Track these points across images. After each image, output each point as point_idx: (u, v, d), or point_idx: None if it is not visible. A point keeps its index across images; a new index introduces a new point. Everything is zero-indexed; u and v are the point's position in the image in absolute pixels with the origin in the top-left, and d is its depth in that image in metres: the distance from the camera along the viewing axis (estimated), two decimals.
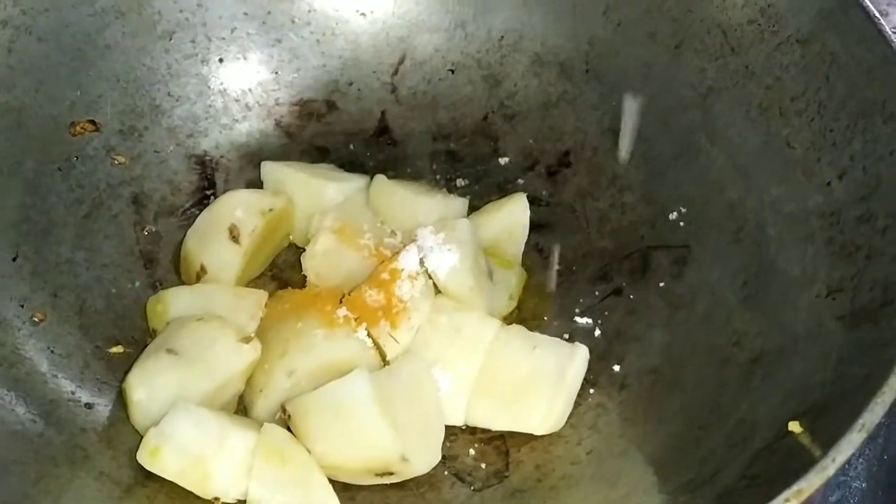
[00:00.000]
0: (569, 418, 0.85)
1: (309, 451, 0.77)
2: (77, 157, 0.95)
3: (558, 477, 0.82)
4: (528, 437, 0.84)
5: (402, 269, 0.86)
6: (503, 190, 1.03)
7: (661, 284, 0.92)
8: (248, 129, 1.05)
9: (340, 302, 0.86)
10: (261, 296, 0.88)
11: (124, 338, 0.89)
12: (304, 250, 0.93)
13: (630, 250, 0.95)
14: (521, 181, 1.03)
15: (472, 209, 0.99)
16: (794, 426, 0.68)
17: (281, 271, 0.98)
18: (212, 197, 1.00)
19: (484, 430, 0.85)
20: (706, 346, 0.84)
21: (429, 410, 0.82)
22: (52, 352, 0.84)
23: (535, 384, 0.83)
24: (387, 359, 0.84)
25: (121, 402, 0.83)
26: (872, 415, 0.60)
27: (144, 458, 0.76)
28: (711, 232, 0.90)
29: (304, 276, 0.91)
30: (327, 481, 0.77)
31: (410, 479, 0.81)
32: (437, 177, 1.04)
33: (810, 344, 0.75)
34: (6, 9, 0.90)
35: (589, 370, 0.86)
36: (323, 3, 1.06)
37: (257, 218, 0.91)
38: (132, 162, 0.98)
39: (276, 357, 0.82)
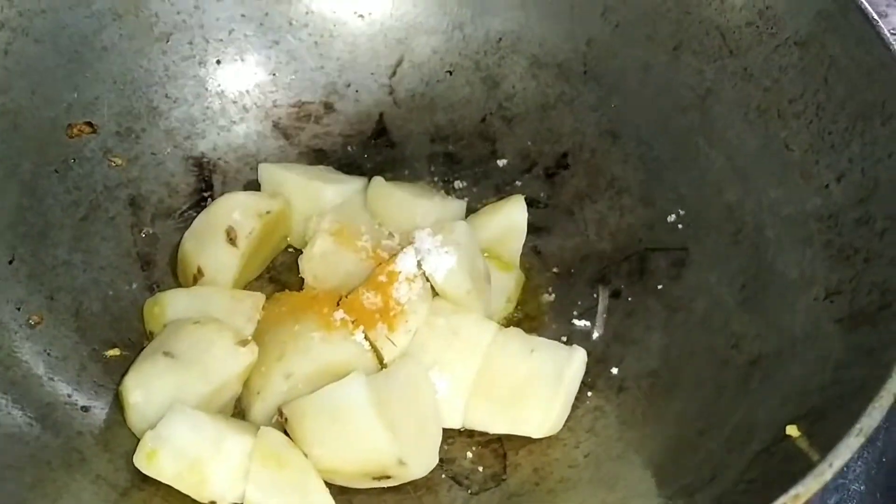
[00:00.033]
0: (567, 421, 0.85)
1: (306, 455, 0.77)
2: (74, 159, 0.95)
3: (556, 480, 0.81)
4: (525, 440, 0.84)
5: (400, 272, 0.86)
6: (501, 192, 1.03)
7: (660, 287, 0.91)
8: (245, 130, 1.05)
9: (338, 304, 0.86)
10: (258, 298, 0.88)
11: (121, 340, 0.89)
12: (302, 252, 0.92)
13: (628, 252, 0.95)
14: (519, 183, 1.03)
15: (471, 211, 0.99)
16: (791, 430, 0.68)
17: (278, 273, 0.98)
18: (209, 199, 1.00)
19: (482, 433, 0.85)
20: (704, 348, 0.84)
21: (426, 413, 0.82)
22: (48, 355, 0.84)
23: (532, 387, 0.83)
24: (384, 362, 0.84)
25: (117, 405, 0.83)
26: (870, 419, 0.60)
27: (141, 461, 0.76)
28: (710, 234, 0.90)
29: (302, 279, 0.91)
30: (324, 485, 0.77)
31: (408, 483, 0.80)
32: (436, 179, 1.04)
33: (808, 347, 0.75)
34: (2, 11, 0.90)
35: (587, 373, 0.86)
36: (321, 4, 1.06)
37: (254, 220, 0.91)
38: (129, 164, 0.98)
39: (273, 360, 0.82)
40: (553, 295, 0.96)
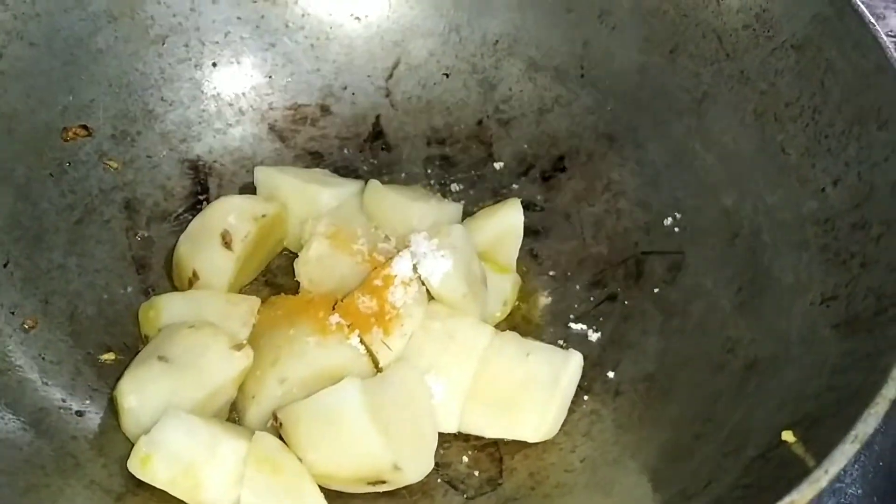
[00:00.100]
0: (563, 425, 0.85)
1: (300, 460, 0.77)
2: (69, 163, 0.94)
3: (552, 485, 0.81)
4: (521, 445, 0.84)
5: (396, 276, 0.86)
6: (498, 195, 1.03)
7: (656, 290, 0.91)
8: (241, 133, 1.04)
9: (333, 308, 0.85)
10: (253, 302, 0.88)
11: (116, 344, 0.89)
12: (298, 256, 0.92)
13: (625, 256, 0.95)
14: (515, 186, 1.03)
15: (467, 214, 0.99)
16: (787, 435, 0.68)
17: (274, 276, 0.97)
18: (205, 202, 0.99)
19: (477, 438, 0.85)
20: (700, 352, 0.84)
21: (421, 418, 0.81)
22: (42, 359, 0.84)
23: (528, 391, 0.83)
24: (379, 366, 0.84)
25: (112, 409, 0.83)
26: (866, 426, 0.60)
27: (135, 466, 0.75)
28: (706, 238, 0.90)
29: (298, 282, 0.91)
30: (319, 490, 0.76)
31: (403, 487, 0.80)
32: (432, 182, 1.04)
33: (804, 352, 0.74)
34: None
35: (583, 377, 0.86)
36: (317, 7, 1.06)
37: (250, 224, 0.91)
38: (125, 167, 0.98)
39: (268, 364, 0.82)
40: (549, 298, 0.96)
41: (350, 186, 0.98)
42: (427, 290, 0.86)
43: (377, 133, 1.06)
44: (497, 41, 1.05)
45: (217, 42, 1.04)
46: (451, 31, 1.06)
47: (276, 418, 0.79)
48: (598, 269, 0.96)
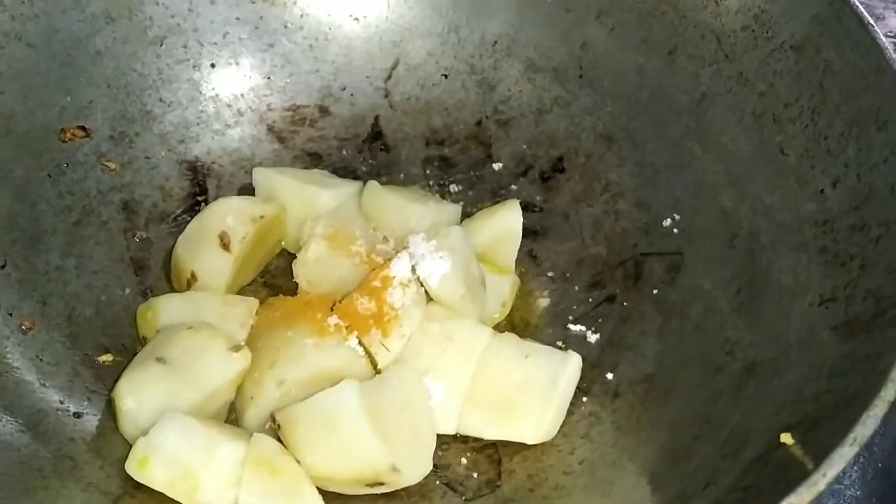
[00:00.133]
0: (562, 427, 0.84)
1: (299, 462, 0.77)
2: (67, 164, 0.94)
3: (550, 487, 0.81)
4: (520, 446, 0.83)
5: (394, 277, 0.85)
6: (496, 196, 1.02)
7: (655, 292, 0.91)
8: (240, 134, 1.04)
9: (331, 310, 0.85)
10: (251, 304, 0.88)
11: (114, 346, 0.88)
12: (296, 257, 0.92)
13: (624, 257, 0.95)
14: (514, 187, 1.03)
15: (466, 215, 0.99)
16: (786, 438, 0.67)
17: (273, 278, 0.97)
18: (203, 203, 0.99)
19: (476, 439, 0.85)
20: (699, 354, 0.84)
21: (420, 420, 0.81)
22: (40, 360, 0.84)
23: (527, 393, 0.83)
24: (378, 367, 0.84)
25: (110, 411, 0.82)
26: (864, 428, 0.60)
27: (133, 468, 0.75)
28: (705, 239, 0.90)
29: (296, 283, 0.91)
30: (317, 492, 0.76)
31: (402, 489, 0.80)
32: (430, 183, 1.04)
33: (803, 353, 0.74)
34: None
35: (582, 378, 0.86)
36: (316, 7, 1.06)
37: (248, 225, 0.90)
38: (123, 168, 0.98)
39: (266, 366, 0.82)
40: (548, 300, 0.96)
41: (348, 187, 0.97)
42: (425, 292, 0.86)
43: (376, 134, 1.06)
44: (496, 42, 1.05)
45: (215, 43, 1.03)
46: (450, 32, 1.06)
47: (274, 420, 0.78)
48: (596, 271, 0.96)
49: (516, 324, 0.94)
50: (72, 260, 0.91)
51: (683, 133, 0.94)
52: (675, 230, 0.93)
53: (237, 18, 1.04)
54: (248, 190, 1.00)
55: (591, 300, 0.94)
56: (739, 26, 0.90)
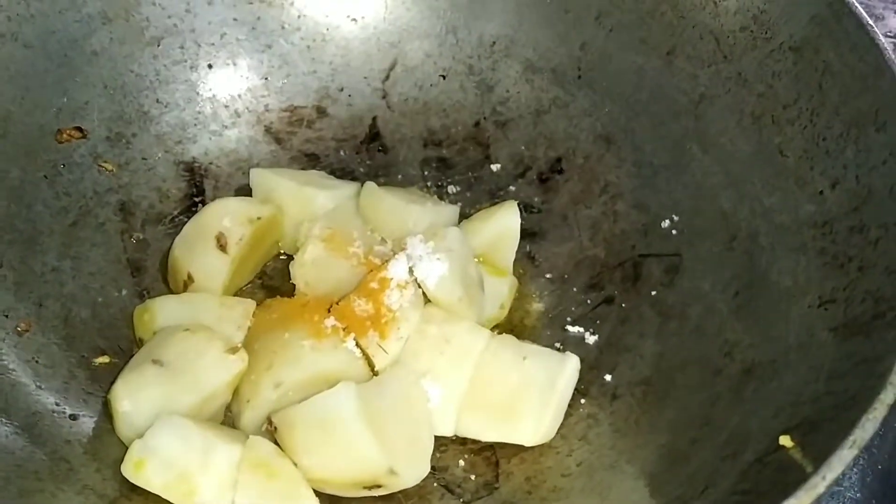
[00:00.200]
0: (560, 429, 0.84)
1: (295, 464, 0.76)
2: (63, 165, 0.94)
3: (548, 489, 0.81)
4: (518, 448, 0.83)
5: (392, 279, 0.85)
6: (495, 197, 1.02)
7: (653, 293, 0.91)
8: (237, 135, 1.04)
9: (329, 311, 0.85)
10: (248, 305, 0.87)
11: (110, 348, 0.88)
12: (294, 258, 0.92)
13: (622, 259, 0.95)
14: (512, 188, 1.02)
15: (464, 216, 0.99)
16: (785, 440, 0.67)
17: (270, 279, 0.97)
18: (200, 204, 0.99)
19: (474, 441, 0.85)
20: (698, 356, 0.84)
21: (417, 422, 0.81)
22: (36, 362, 0.83)
23: (525, 395, 0.82)
24: (375, 369, 0.84)
25: (106, 413, 0.82)
26: (863, 431, 0.59)
27: (129, 470, 0.75)
28: (703, 241, 0.89)
29: (293, 285, 0.90)
30: (314, 495, 0.76)
31: (399, 492, 0.80)
32: (428, 184, 1.04)
33: (802, 356, 0.74)
34: None
35: (580, 380, 0.85)
36: (313, 8, 1.06)
37: (245, 226, 0.90)
38: (120, 169, 0.97)
39: (262, 368, 0.82)
40: (546, 301, 0.95)
41: (346, 189, 0.97)
42: (423, 293, 0.85)
43: (374, 135, 1.06)
44: (494, 43, 1.04)
45: (213, 44, 1.03)
46: (448, 33, 1.05)
47: (270, 423, 0.78)
48: (595, 272, 0.95)
49: (514, 325, 0.94)
50: (68, 261, 0.91)
51: (682, 134, 0.94)
52: (674, 231, 0.92)
53: (234, 19, 1.03)
54: (245, 191, 0.99)
55: (589, 302, 0.94)
56: (738, 27, 0.89)
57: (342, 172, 1.03)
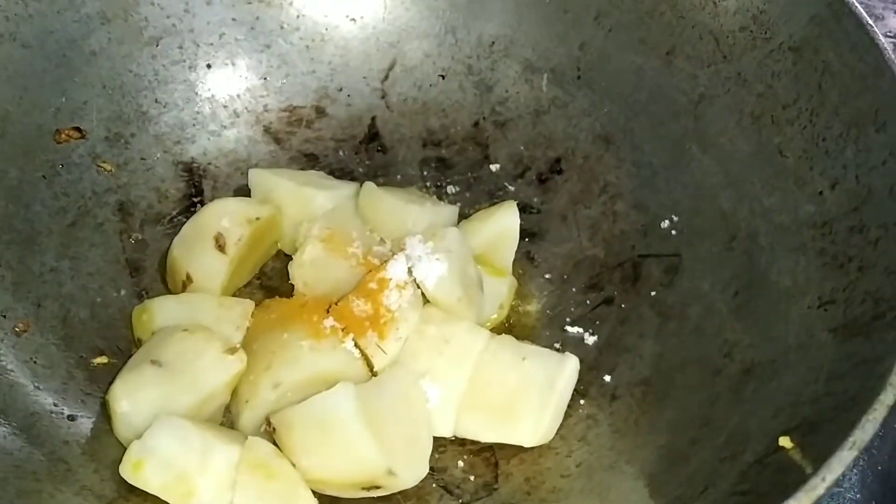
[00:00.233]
0: (559, 429, 0.84)
1: (294, 465, 0.76)
2: (62, 165, 0.94)
3: (548, 490, 0.81)
4: (517, 449, 0.83)
5: (390, 279, 0.85)
6: (494, 197, 1.02)
7: (653, 294, 0.91)
8: (236, 135, 1.04)
9: (327, 312, 0.85)
10: (247, 306, 0.87)
11: (109, 348, 0.88)
12: (293, 259, 0.91)
13: (621, 259, 0.95)
14: (511, 188, 1.02)
15: (463, 216, 0.99)
16: (784, 441, 0.67)
17: (269, 280, 0.97)
18: (199, 204, 0.99)
19: (473, 442, 0.85)
20: (697, 356, 0.84)
21: (416, 423, 0.81)
22: (34, 363, 0.83)
23: (524, 395, 0.82)
24: (374, 370, 0.83)
25: (104, 414, 0.82)
26: (863, 433, 0.59)
27: (127, 471, 0.75)
28: (703, 241, 0.89)
29: (292, 285, 0.90)
30: (313, 496, 0.76)
31: (398, 492, 0.80)
32: (428, 184, 1.04)
33: (802, 356, 0.74)
34: None
35: (580, 380, 0.85)
36: (312, 8, 1.06)
37: (243, 227, 0.90)
38: (118, 169, 0.97)
39: (261, 369, 0.81)
40: (545, 301, 0.95)
41: (345, 189, 0.97)
42: (422, 294, 0.85)
43: (373, 135, 1.06)
44: (493, 42, 1.04)
45: (211, 44, 1.03)
46: (447, 33, 1.05)
47: (269, 423, 0.78)
48: (594, 272, 0.95)
49: (513, 326, 0.94)
50: (67, 261, 0.91)
51: (682, 134, 0.93)
52: (674, 232, 0.92)
53: (233, 19, 1.03)
54: (243, 191, 0.99)
55: (588, 302, 0.94)
56: (738, 27, 0.89)
57: (341, 172, 1.03)
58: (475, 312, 0.87)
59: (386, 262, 0.87)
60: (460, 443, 0.85)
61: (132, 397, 0.79)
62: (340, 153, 1.05)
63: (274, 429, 0.77)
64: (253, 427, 0.81)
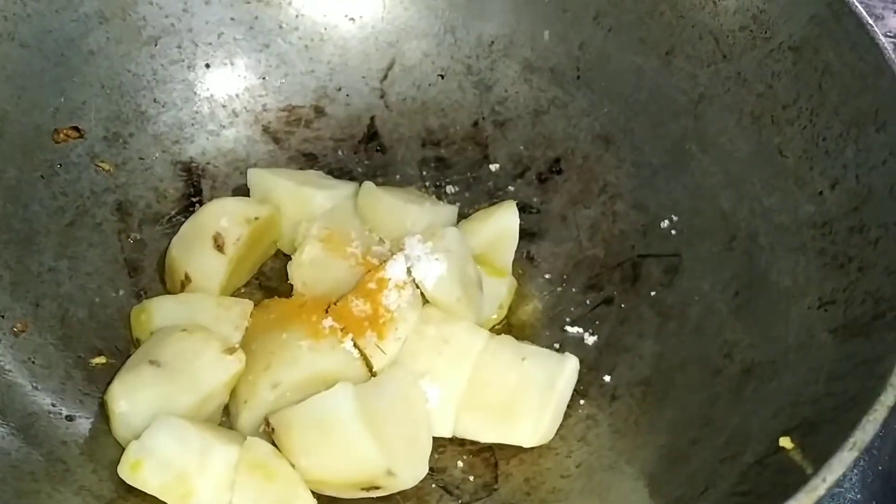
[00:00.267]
0: (559, 430, 0.84)
1: (293, 466, 0.76)
2: (60, 165, 0.93)
3: (548, 490, 0.81)
4: (517, 449, 0.83)
5: (390, 279, 0.85)
6: (493, 197, 1.02)
7: (653, 294, 0.91)
8: (235, 135, 1.04)
9: (326, 312, 0.85)
10: (246, 306, 0.87)
11: (107, 348, 0.88)
12: (292, 258, 0.91)
13: (621, 259, 0.95)
14: (511, 188, 1.02)
15: (462, 216, 0.99)
16: (785, 441, 0.67)
17: (268, 279, 0.97)
18: (198, 204, 0.98)
19: (473, 442, 0.84)
20: (697, 356, 0.83)
21: (416, 423, 0.81)
22: (32, 363, 0.83)
23: (524, 395, 0.82)
24: (373, 370, 0.83)
25: (103, 414, 0.82)
26: (864, 433, 0.59)
27: (125, 471, 0.75)
28: (703, 241, 0.89)
29: (291, 285, 0.90)
30: (312, 496, 0.76)
31: (398, 493, 0.80)
32: (427, 184, 1.03)
33: (802, 356, 0.74)
34: None
35: (579, 380, 0.85)
36: (311, 8, 1.05)
37: (242, 226, 0.90)
38: (117, 169, 0.97)
39: (260, 369, 0.81)
40: (545, 301, 0.95)
41: (344, 188, 0.97)
42: (421, 294, 0.85)
43: (372, 134, 1.06)
44: (493, 42, 1.04)
45: (210, 43, 1.03)
46: (446, 32, 1.05)
47: (268, 423, 0.78)
48: (594, 272, 0.95)
49: (513, 326, 0.93)
50: (65, 261, 0.90)
51: (681, 134, 0.93)
52: (673, 232, 0.92)
53: (232, 19, 1.03)
54: (242, 191, 0.99)
55: (588, 302, 0.94)
56: (737, 27, 0.89)
57: (340, 172, 1.03)
58: (474, 312, 0.87)
59: (385, 261, 0.86)
60: (460, 443, 0.84)
61: (131, 397, 0.78)
62: (339, 153, 1.05)
63: (273, 429, 0.77)
64: (252, 427, 0.81)
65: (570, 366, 0.83)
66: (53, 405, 0.81)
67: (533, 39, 1.02)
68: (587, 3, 0.99)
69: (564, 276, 0.96)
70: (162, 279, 0.94)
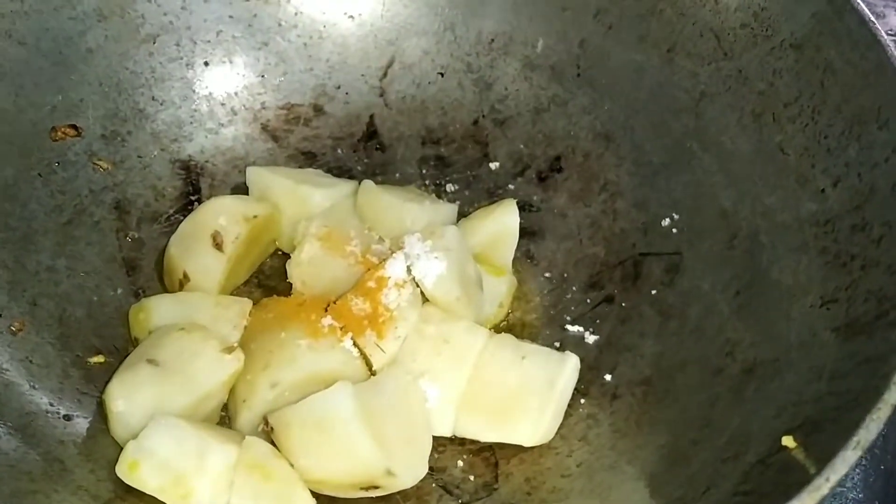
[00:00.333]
0: (560, 429, 0.84)
1: (292, 465, 0.76)
2: (58, 163, 0.93)
3: (548, 490, 0.80)
4: (517, 449, 0.83)
5: (389, 278, 0.85)
6: (493, 195, 1.02)
7: (654, 292, 0.90)
8: (233, 133, 1.03)
9: (326, 311, 0.84)
10: (244, 304, 0.87)
11: (105, 347, 0.87)
12: (290, 257, 0.91)
13: (622, 257, 0.94)
14: (511, 186, 1.02)
15: (462, 215, 0.98)
16: (787, 441, 0.66)
17: (266, 278, 0.96)
18: (196, 202, 0.98)
19: (473, 442, 0.84)
20: (698, 356, 0.83)
21: (415, 422, 0.80)
22: (30, 362, 0.82)
23: (524, 395, 0.82)
24: (373, 369, 0.83)
25: (100, 413, 0.81)
26: (867, 432, 0.59)
27: (123, 471, 0.74)
28: (704, 239, 0.89)
29: (290, 284, 0.90)
30: (311, 496, 0.75)
31: (397, 492, 0.79)
32: (426, 182, 1.03)
33: (804, 355, 0.73)
34: None
35: (580, 380, 0.85)
36: (310, 5, 1.05)
37: (241, 225, 0.89)
38: (115, 167, 0.97)
39: (259, 368, 0.81)
40: (545, 300, 0.95)
41: (343, 187, 0.96)
42: (421, 293, 0.85)
43: (371, 133, 1.05)
44: (492, 40, 1.04)
45: (209, 41, 1.02)
46: (446, 30, 1.05)
47: (267, 423, 0.77)
48: (594, 271, 0.95)
49: (513, 325, 0.93)
50: (63, 260, 0.90)
51: (682, 132, 0.93)
52: (674, 230, 0.92)
53: (231, 16, 1.03)
54: (241, 189, 0.99)
55: (588, 301, 0.93)
56: (738, 24, 0.89)
57: (339, 171, 1.03)
58: (474, 311, 0.86)
59: (384, 260, 0.86)
60: (460, 442, 0.84)
61: (129, 397, 0.78)
62: (338, 151, 1.04)
63: (272, 428, 0.77)
64: (250, 427, 0.80)
65: (570, 365, 0.83)
66: (51, 404, 0.81)
67: (533, 37, 1.02)
68: (587, 1, 0.98)
69: (565, 275, 0.96)
70: (160, 278, 0.93)
